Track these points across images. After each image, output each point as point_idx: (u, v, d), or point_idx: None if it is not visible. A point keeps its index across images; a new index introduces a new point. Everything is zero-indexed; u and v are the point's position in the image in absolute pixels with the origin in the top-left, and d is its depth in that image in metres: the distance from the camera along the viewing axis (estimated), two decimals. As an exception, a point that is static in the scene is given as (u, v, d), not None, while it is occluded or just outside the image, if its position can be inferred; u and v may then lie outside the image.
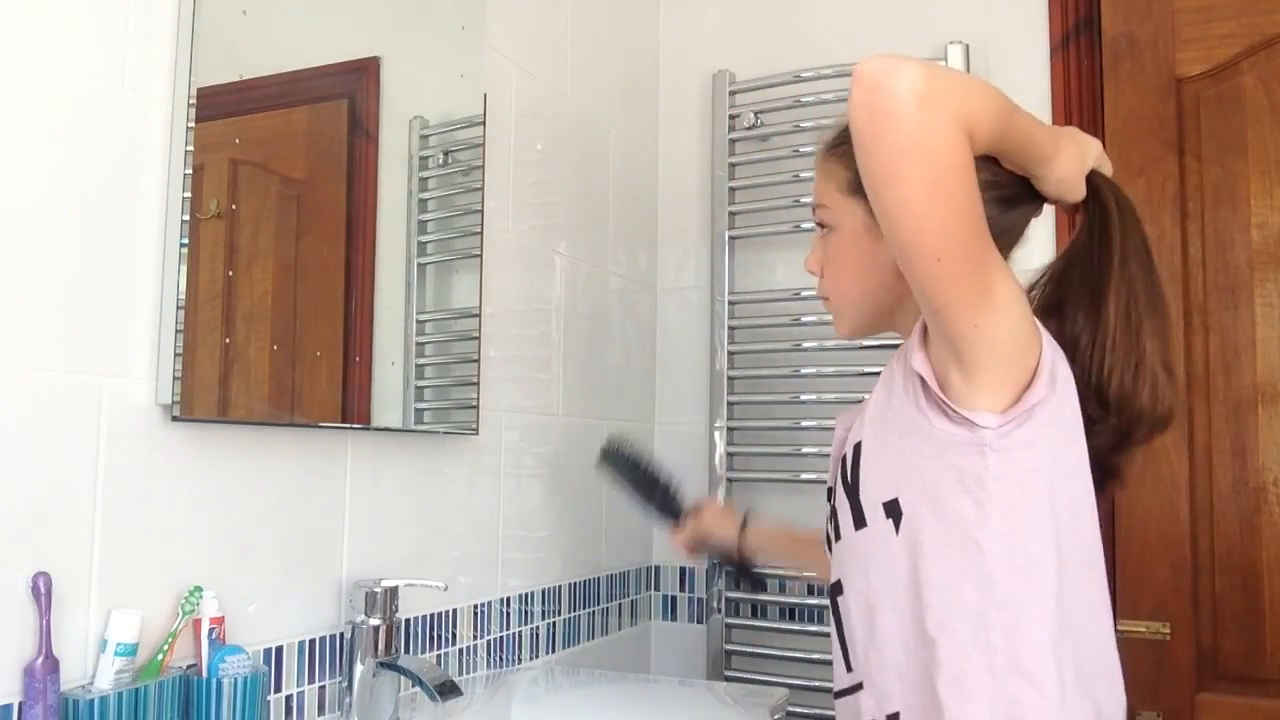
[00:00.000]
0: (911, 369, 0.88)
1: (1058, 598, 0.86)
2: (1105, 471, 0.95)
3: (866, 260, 0.98)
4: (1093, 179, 0.97)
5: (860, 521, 0.93)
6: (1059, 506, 0.87)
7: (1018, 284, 0.85)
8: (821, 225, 1.03)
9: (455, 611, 1.50)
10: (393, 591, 1.27)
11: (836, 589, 0.97)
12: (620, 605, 1.97)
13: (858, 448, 0.95)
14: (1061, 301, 0.97)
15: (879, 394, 0.95)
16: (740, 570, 1.47)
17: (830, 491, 1.01)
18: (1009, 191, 0.94)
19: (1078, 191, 0.95)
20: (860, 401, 1.01)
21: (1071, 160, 0.93)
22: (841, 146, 0.97)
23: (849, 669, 0.96)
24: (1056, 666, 0.85)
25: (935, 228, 0.78)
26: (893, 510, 0.90)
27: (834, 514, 0.98)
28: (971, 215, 0.79)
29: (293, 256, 1.20)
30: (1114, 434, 0.93)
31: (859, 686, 0.94)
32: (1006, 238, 0.95)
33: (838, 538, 0.97)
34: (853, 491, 0.94)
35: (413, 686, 1.29)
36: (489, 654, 1.58)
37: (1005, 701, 0.84)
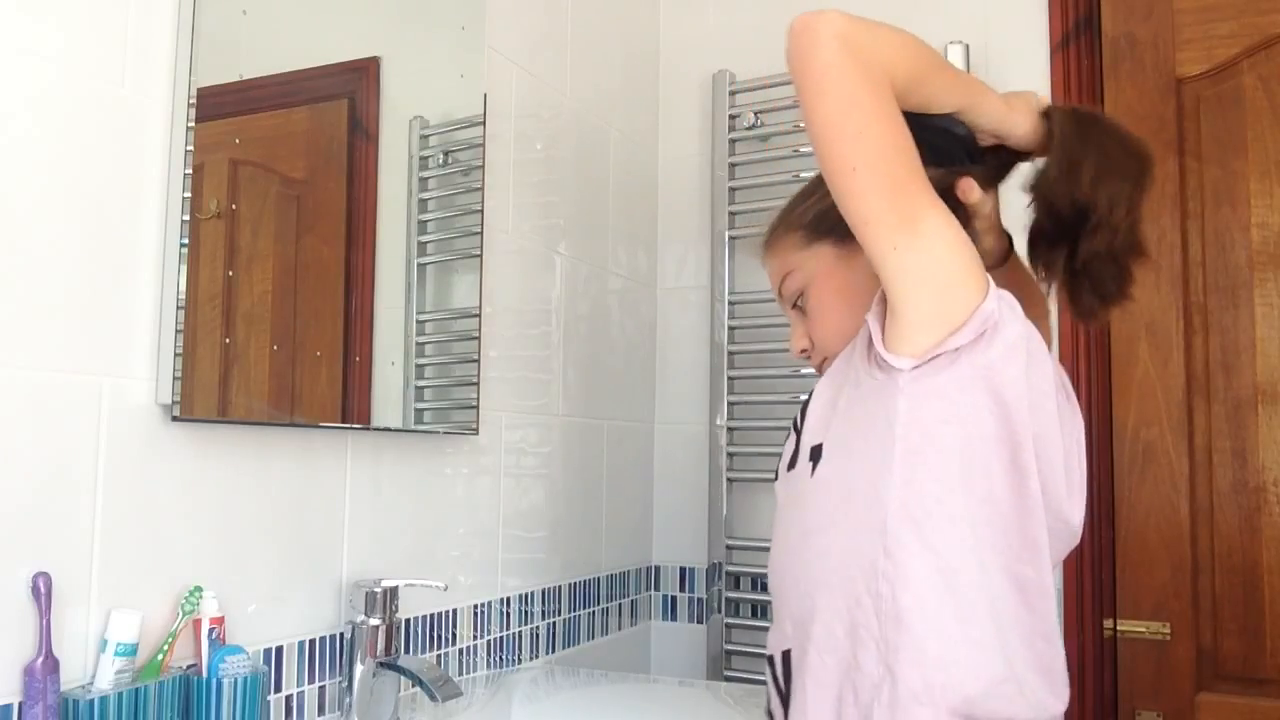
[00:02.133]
0: (866, 320, 0.91)
1: (952, 553, 0.85)
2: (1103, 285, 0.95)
3: (846, 288, 1.01)
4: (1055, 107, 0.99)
5: (792, 463, 0.97)
6: (972, 467, 0.86)
7: (954, 228, 0.87)
8: (795, 304, 1.08)
9: (455, 611, 1.50)
10: (393, 591, 1.27)
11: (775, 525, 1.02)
12: (620, 605, 1.97)
13: (812, 401, 0.99)
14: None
15: (846, 350, 0.98)
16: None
17: None
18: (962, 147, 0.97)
19: (1023, 125, 0.97)
20: None
21: (1018, 105, 0.97)
22: (782, 222, 1.09)
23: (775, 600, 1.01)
24: (937, 621, 0.84)
25: (850, 136, 0.85)
26: (815, 454, 0.94)
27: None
28: (887, 135, 0.85)
29: (293, 256, 1.20)
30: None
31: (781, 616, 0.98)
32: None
33: (776, 478, 1.02)
34: (798, 435, 0.99)
35: (413, 686, 1.29)
36: (489, 654, 1.58)
37: (888, 650, 0.85)
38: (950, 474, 0.86)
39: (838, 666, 0.88)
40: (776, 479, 1.02)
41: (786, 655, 0.94)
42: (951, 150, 0.97)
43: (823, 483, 0.92)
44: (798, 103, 0.89)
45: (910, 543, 0.85)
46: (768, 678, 0.98)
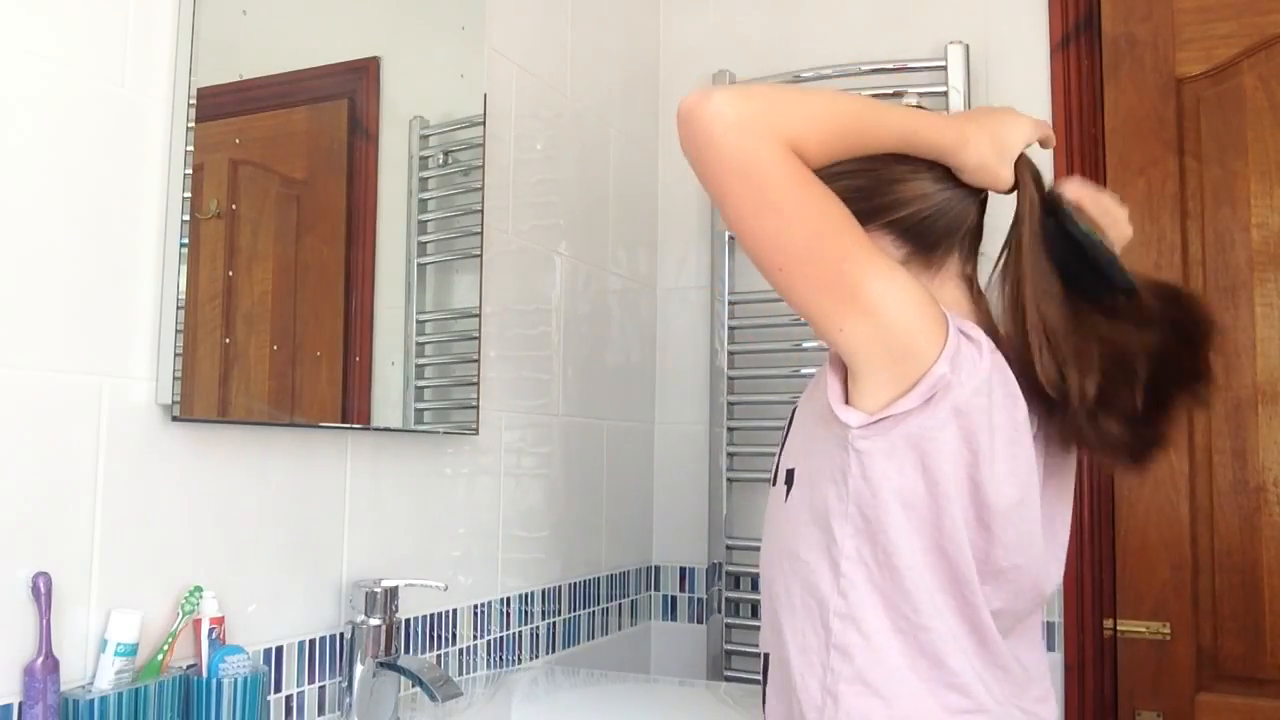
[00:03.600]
0: (829, 357, 0.92)
1: (902, 600, 0.87)
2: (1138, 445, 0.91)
3: None
4: (1020, 165, 0.95)
5: (775, 480, 1.00)
6: (916, 520, 0.86)
7: (903, 288, 0.84)
8: None
9: (455, 611, 1.50)
10: (393, 591, 1.27)
11: None
12: (620, 605, 1.97)
13: (797, 413, 1.01)
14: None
15: (816, 376, 0.98)
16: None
17: None
18: (936, 189, 0.94)
19: (1000, 178, 0.93)
20: None
21: (983, 146, 0.92)
22: None
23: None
24: (886, 660, 0.87)
25: (769, 240, 0.83)
26: (789, 479, 0.96)
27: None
28: (811, 224, 0.82)
29: (293, 256, 1.20)
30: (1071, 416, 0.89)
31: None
32: (940, 230, 0.94)
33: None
34: (780, 452, 1.01)
35: (413, 686, 1.29)
36: (489, 654, 1.58)
37: (832, 680, 0.88)
38: (898, 526, 0.87)
39: (786, 682, 0.93)
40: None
41: (765, 659, 0.99)
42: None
43: (793, 510, 0.95)
44: (709, 195, 0.85)
45: (861, 584, 0.88)
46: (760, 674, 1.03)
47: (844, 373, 0.88)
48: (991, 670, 0.90)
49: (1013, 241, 0.93)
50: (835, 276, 0.83)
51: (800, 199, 0.82)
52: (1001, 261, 0.95)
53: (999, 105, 0.99)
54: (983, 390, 0.85)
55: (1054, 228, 0.93)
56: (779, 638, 0.94)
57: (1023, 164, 0.95)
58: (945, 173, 0.93)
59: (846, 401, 0.87)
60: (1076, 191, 0.96)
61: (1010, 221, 0.95)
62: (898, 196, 0.93)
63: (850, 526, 0.88)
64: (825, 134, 0.84)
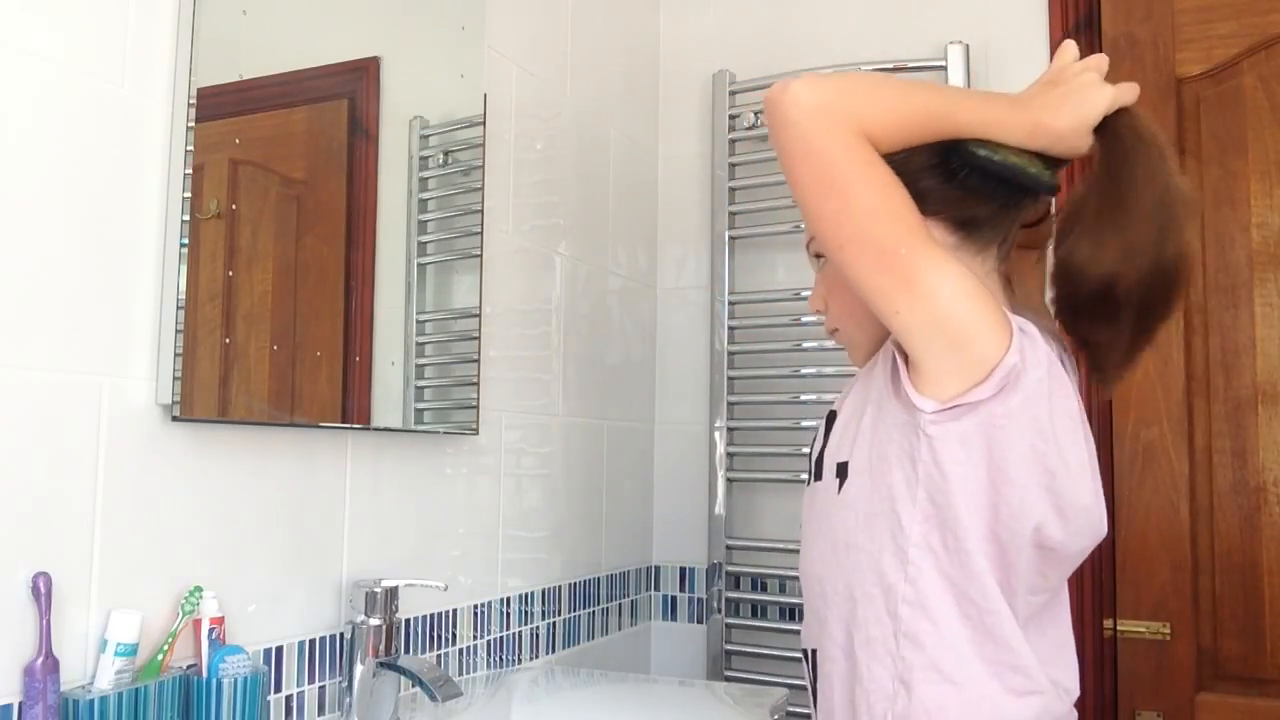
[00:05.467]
0: (889, 345, 0.93)
1: (969, 583, 0.88)
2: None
3: None
4: (1113, 121, 0.93)
5: (817, 475, 0.99)
6: (982, 504, 0.87)
7: (959, 280, 0.85)
8: (819, 257, 1.06)
9: (455, 611, 1.50)
10: (393, 591, 1.27)
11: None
12: (620, 605, 1.97)
13: (840, 411, 1.00)
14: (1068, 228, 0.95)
15: (868, 368, 0.99)
16: None
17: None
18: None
19: (1078, 143, 0.93)
20: None
21: (1061, 116, 0.91)
22: None
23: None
24: (956, 645, 0.88)
25: (829, 217, 0.86)
26: (841, 471, 0.95)
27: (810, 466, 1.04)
28: (871, 206, 0.85)
29: (293, 256, 1.20)
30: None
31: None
32: (990, 225, 0.95)
33: (807, 485, 1.04)
34: (822, 449, 1.00)
35: (413, 686, 1.29)
36: (489, 654, 1.58)
37: (904, 668, 0.89)
38: (968, 511, 0.87)
39: (851, 673, 0.92)
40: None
41: (814, 654, 0.98)
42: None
43: (849, 503, 0.94)
44: (785, 175, 0.90)
45: (929, 570, 0.89)
46: (804, 670, 1.03)
47: (905, 359, 0.89)
48: (1039, 649, 0.92)
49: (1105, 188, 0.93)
50: (892, 260, 0.85)
51: (863, 182, 0.85)
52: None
53: (1072, 76, 0.95)
54: (1044, 379, 0.87)
55: (965, 170, 0.93)
56: (834, 631, 0.94)
57: (1122, 121, 0.93)
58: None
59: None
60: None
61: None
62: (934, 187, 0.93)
63: (919, 512, 0.88)
64: (895, 122, 0.88)
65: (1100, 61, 0.95)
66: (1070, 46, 0.97)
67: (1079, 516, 0.92)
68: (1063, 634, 0.97)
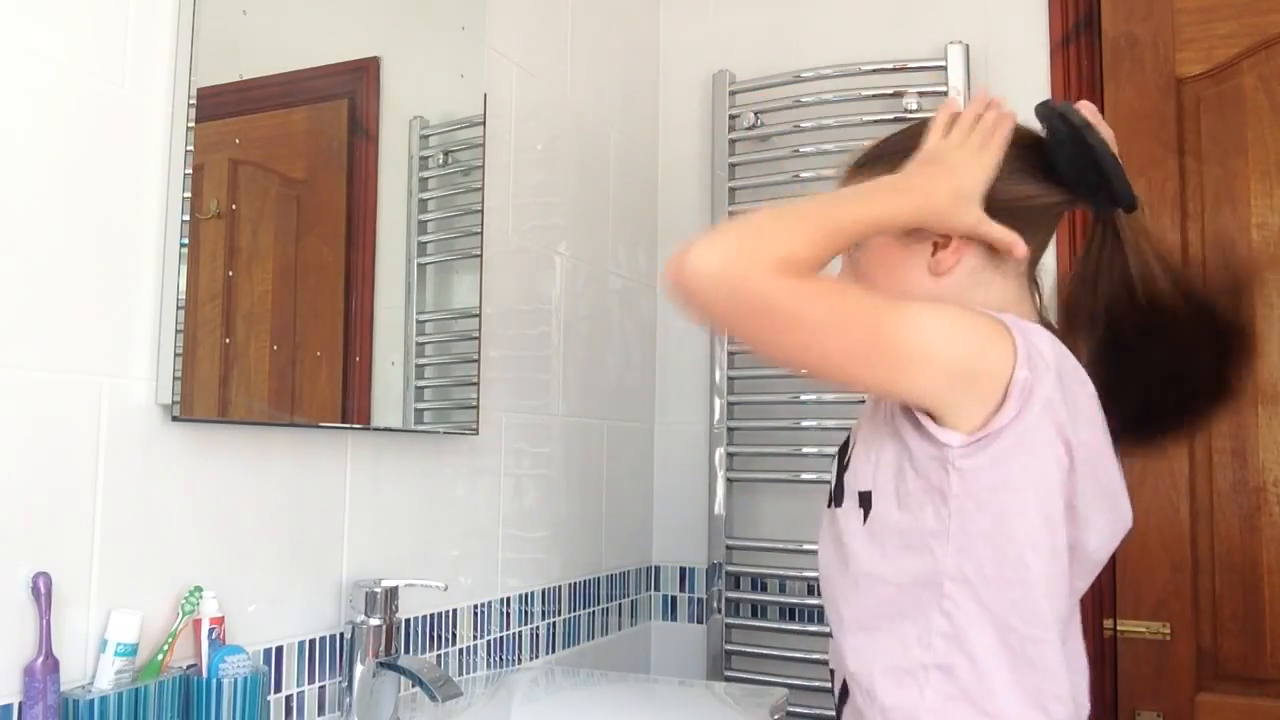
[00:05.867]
0: None
1: (1011, 613, 0.87)
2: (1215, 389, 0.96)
3: (897, 271, 0.98)
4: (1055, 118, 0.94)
5: (838, 500, 0.98)
6: (1024, 523, 0.87)
7: (945, 321, 0.85)
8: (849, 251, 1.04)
9: (455, 611, 1.50)
10: (393, 591, 1.27)
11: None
12: (620, 605, 1.97)
13: (856, 437, 0.99)
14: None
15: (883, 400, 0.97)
16: None
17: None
18: (1031, 170, 0.95)
19: (964, 224, 0.92)
20: (863, 402, 1.04)
21: (939, 192, 0.91)
22: (870, 164, 0.99)
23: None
24: (991, 677, 0.87)
25: (809, 353, 0.84)
26: (865, 502, 0.93)
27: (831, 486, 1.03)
28: (834, 321, 0.83)
29: (293, 256, 1.20)
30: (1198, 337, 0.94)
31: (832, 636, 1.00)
32: (1030, 214, 0.96)
33: (827, 507, 1.02)
34: (841, 472, 0.99)
35: (413, 686, 1.29)
36: (489, 654, 1.58)
37: (937, 698, 0.87)
38: (1006, 539, 0.86)
39: (870, 703, 0.90)
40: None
41: (843, 680, 0.96)
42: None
43: (874, 534, 0.92)
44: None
45: (965, 602, 0.87)
46: (831, 687, 1.01)
47: None
48: (1072, 671, 0.91)
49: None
50: (876, 350, 0.84)
51: (811, 307, 0.83)
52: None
53: (948, 152, 0.95)
54: (1056, 378, 0.86)
55: (1065, 132, 0.92)
56: (857, 660, 0.92)
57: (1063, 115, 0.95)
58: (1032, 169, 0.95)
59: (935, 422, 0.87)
60: (1090, 111, 0.97)
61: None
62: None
63: (953, 545, 0.87)
64: (812, 240, 0.85)
65: (970, 120, 0.95)
66: (943, 112, 0.97)
67: (1115, 506, 0.92)
68: (1078, 641, 0.96)
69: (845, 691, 0.96)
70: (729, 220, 0.82)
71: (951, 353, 0.84)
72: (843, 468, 0.98)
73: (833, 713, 1.02)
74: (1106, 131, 0.97)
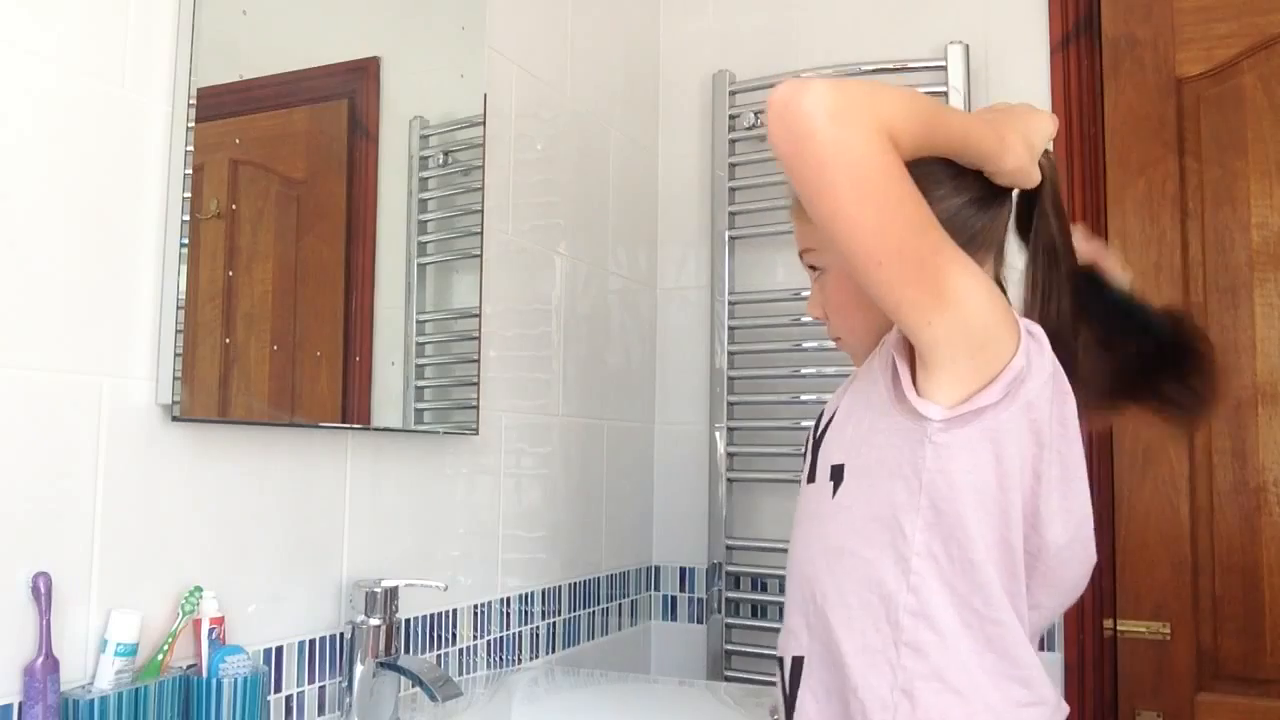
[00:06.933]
0: (888, 349, 0.91)
1: (972, 594, 0.87)
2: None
3: (860, 292, 0.98)
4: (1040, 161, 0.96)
5: (811, 476, 0.97)
6: (990, 511, 0.87)
7: (982, 283, 0.86)
8: (813, 269, 1.05)
9: (455, 611, 1.50)
10: (393, 591, 1.27)
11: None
12: (620, 605, 1.97)
13: (835, 412, 0.98)
14: (1034, 281, 0.98)
15: (868, 366, 0.98)
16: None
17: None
18: (978, 193, 0.94)
19: (1031, 178, 0.95)
20: None
21: (1019, 149, 0.93)
22: None
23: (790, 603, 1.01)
24: (959, 655, 0.87)
25: (868, 233, 0.81)
26: (836, 475, 0.93)
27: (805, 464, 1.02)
28: (906, 216, 0.81)
29: (293, 256, 1.20)
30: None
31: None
32: (987, 237, 0.95)
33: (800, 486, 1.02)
34: (815, 448, 0.98)
35: (413, 686, 1.29)
36: (489, 654, 1.58)
37: (905, 678, 0.87)
38: (972, 519, 0.87)
39: (842, 683, 0.90)
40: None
41: (797, 662, 0.95)
42: (991, 191, 0.96)
43: (844, 507, 0.92)
44: (798, 191, 0.83)
45: (932, 579, 0.87)
46: (777, 679, 0.99)
47: (910, 365, 0.88)
48: (1034, 658, 0.91)
49: (1039, 232, 0.97)
50: (928, 270, 0.82)
51: (899, 192, 0.81)
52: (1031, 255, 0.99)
53: (1015, 103, 0.99)
54: (1048, 383, 0.87)
55: (1097, 299, 0.98)
56: (824, 638, 0.92)
57: (1043, 159, 0.97)
58: (978, 177, 0.94)
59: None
60: (1089, 250, 1.02)
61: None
62: (944, 199, 0.93)
63: (921, 520, 0.87)
64: (913, 128, 0.83)
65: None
66: None
67: (1080, 525, 0.92)
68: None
69: (796, 676, 0.95)
70: (846, 78, 0.80)
71: (980, 310, 0.84)
72: (817, 442, 0.98)
73: (783, 654, 1.00)
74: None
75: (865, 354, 1.03)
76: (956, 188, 0.92)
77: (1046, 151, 0.97)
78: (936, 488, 0.87)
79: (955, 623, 0.87)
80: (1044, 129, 0.97)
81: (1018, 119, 0.95)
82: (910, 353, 0.88)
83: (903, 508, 0.88)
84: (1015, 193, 0.97)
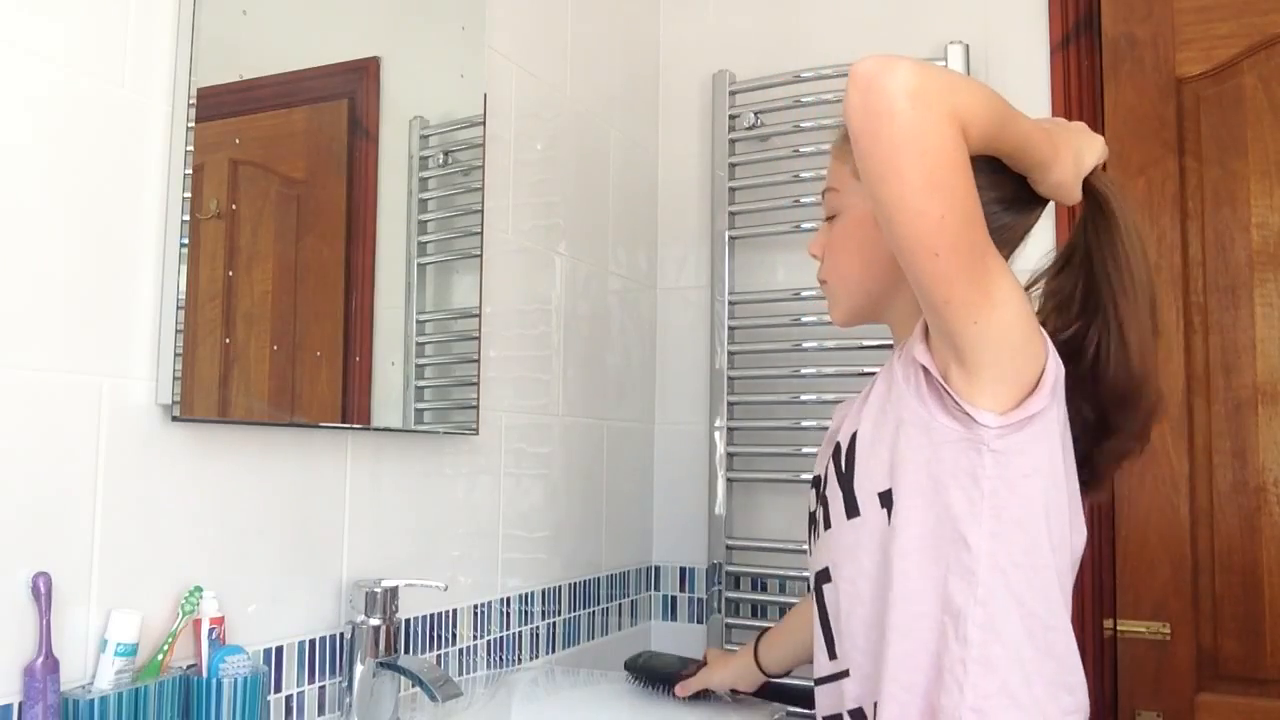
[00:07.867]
0: (914, 359, 0.89)
1: (1036, 600, 0.87)
2: (1096, 475, 0.99)
3: (870, 246, 0.99)
4: (1089, 180, 0.96)
5: (853, 510, 0.94)
6: (1048, 513, 0.88)
7: (1018, 284, 0.86)
8: (828, 214, 1.05)
9: (455, 611, 1.50)
10: (393, 591, 1.27)
11: (823, 577, 0.99)
12: (620, 605, 1.97)
13: (854, 438, 0.95)
14: (1063, 293, 0.98)
15: (879, 386, 0.96)
16: (771, 692, 1.45)
17: (818, 480, 1.03)
18: (1010, 193, 0.94)
19: (1074, 195, 0.95)
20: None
21: (1068, 165, 0.93)
22: None
23: (832, 656, 0.98)
24: (1023, 666, 0.87)
25: (932, 222, 0.79)
26: (886, 500, 0.91)
27: (824, 502, 0.99)
28: (968, 210, 0.80)
29: (293, 256, 1.20)
30: (1113, 428, 0.96)
31: (844, 674, 0.96)
32: (1007, 236, 0.95)
33: (827, 526, 0.98)
34: (846, 480, 0.95)
35: (413, 686, 1.29)
36: (489, 654, 1.58)
37: (977, 696, 0.86)
38: (1035, 525, 0.87)
39: (917, 710, 0.89)
40: (821, 532, 0.99)
41: (857, 714, 0.94)
42: (1022, 194, 0.96)
43: (901, 530, 0.90)
44: (863, 168, 0.81)
45: (999, 589, 0.86)
46: None
47: (930, 371, 0.87)
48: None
49: (1093, 254, 0.97)
50: (978, 267, 0.81)
51: (965, 184, 0.79)
52: (1058, 265, 1.00)
53: (1073, 121, 0.99)
54: (1062, 382, 0.89)
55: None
56: (897, 675, 0.89)
57: (1098, 181, 0.97)
58: (1014, 177, 0.94)
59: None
60: None
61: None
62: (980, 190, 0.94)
63: (985, 530, 0.86)
64: (984, 124, 0.82)
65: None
66: None
67: (1078, 529, 0.94)
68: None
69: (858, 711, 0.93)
70: (926, 62, 0.79)
71: (1021, 312, 0.84)
72: (847, 478, 0.95)
73: (833, 712, 1.00)
74: None
75: (841, 306, 1.03)
76: (990, 182, 0.91)
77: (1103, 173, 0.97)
78: (998, 495, 0.86)
79: (1020, 632, 0.86)
80: (1096, 150, 0.96)
81: (1073, 135, 0.95)
82: (937, 363, 0.87)
83: (964, 519, 0.86)
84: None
